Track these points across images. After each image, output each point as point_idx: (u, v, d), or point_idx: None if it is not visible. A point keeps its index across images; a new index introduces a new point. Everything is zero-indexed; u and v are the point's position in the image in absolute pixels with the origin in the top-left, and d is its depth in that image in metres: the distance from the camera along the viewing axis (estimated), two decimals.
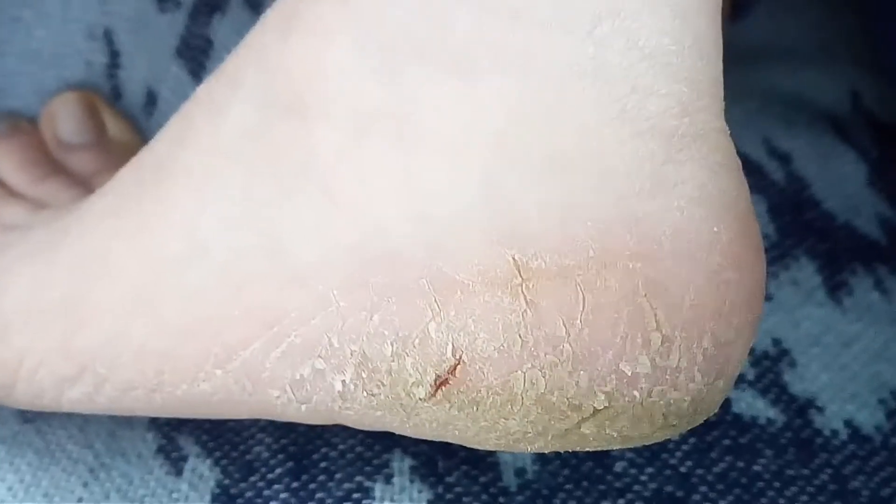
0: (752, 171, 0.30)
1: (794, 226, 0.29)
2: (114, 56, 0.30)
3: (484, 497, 0.22)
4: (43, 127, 0.29)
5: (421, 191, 0.16)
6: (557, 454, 0.23)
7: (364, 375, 0.16)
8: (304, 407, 0.17)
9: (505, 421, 0.16)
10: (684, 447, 0.23)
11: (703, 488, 0.23)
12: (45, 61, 0.29)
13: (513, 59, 0.15)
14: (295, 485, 0.22)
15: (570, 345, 0.15)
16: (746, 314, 0.16)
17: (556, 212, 0.15)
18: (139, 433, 0.23)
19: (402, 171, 0.16)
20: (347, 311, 0.16)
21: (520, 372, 0.15)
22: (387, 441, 0.23)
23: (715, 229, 0.15)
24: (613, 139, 0.15)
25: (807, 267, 0.28)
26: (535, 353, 0.15)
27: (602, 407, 0.15)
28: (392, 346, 0.16)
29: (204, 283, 0.17)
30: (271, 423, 0.23)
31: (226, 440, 0.23)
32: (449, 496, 0.22)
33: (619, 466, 0.23)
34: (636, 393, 0.15)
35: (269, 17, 0.18)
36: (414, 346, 0.16)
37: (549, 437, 0.16)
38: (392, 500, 0.22)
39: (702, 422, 0.16)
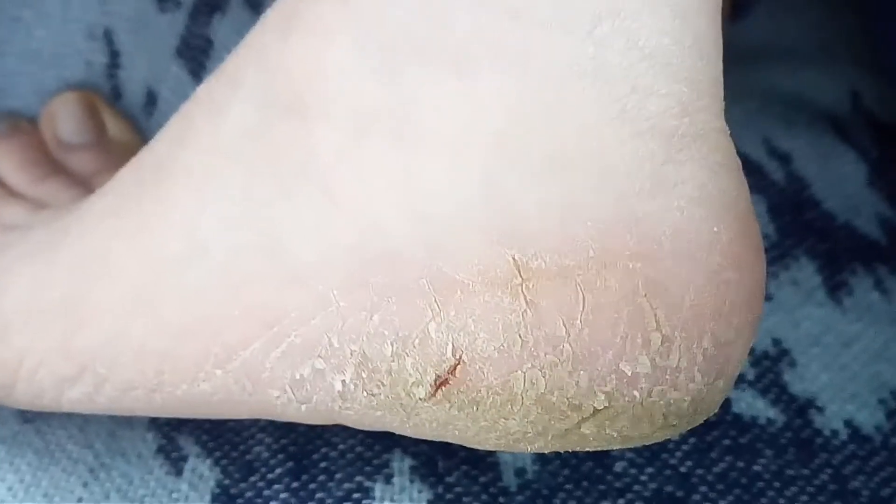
0: (751, 171, 0.30)
1: (794, 226, 0.29)
2: (114, 56, 0.30)
3: (484, 497, 0.22)
4: (43, 127, 0.29)
5: (421, 190, 0.16)
6: (557, 454, 0.23)
7: (364, 375, 0.16)
8: (304, 407, 0.17)
9: (505, 421, 0.16)
10: (684, 447, 0.23)
11: (703, 488, 0.23)
12: (45, 61, 0.29)
13: (513, 58, 0.15)
14: (295, 485, 0.22)
15: (570, 345, 0.15)
16: (746, 314, 0.16)
17: (556, 211, 0.15)
18: (139, 433, 0.23)
19: (402, 171, 0.16)
20: (347, 310, 0.16)
21: (520, 372, 0.15)
22: (387, 441, 0.23)
23: (715, 229, 0.15)
24: (613, 139, 0.15)
25: (807, 267, 0.28)
26: (535, 353, 0.15)
27: (602, 407, 0.15)
28: (392, 345, 0.16)
29: (204, 282, 0.17)
30: (271, 423, 0.23)
31: (226, 440, 0.23)
32: (449, 496, 0.22)
33: (619, 466, 0.23)
34: (636, 393, 0.15)
35: (269, 16, 0.18)
36: (414, 346, 0.16)
37: (549, 437, 0.16)
38: (392, 500, 0.22)
39: (702, 422, 0.16)
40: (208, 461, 0.22)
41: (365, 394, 0.17)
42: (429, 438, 0.17)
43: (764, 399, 0.25)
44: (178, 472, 0.22)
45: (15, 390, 0.20)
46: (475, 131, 0.15)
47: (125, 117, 0.30)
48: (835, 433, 0.24)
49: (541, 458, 0.23)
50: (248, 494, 0.22)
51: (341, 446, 0.23)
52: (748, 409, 0.24)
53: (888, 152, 0.32)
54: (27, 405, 0.20)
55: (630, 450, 0.23)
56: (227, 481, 0.22)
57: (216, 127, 0.18)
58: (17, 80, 0.29)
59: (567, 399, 0.15)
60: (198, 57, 0.30)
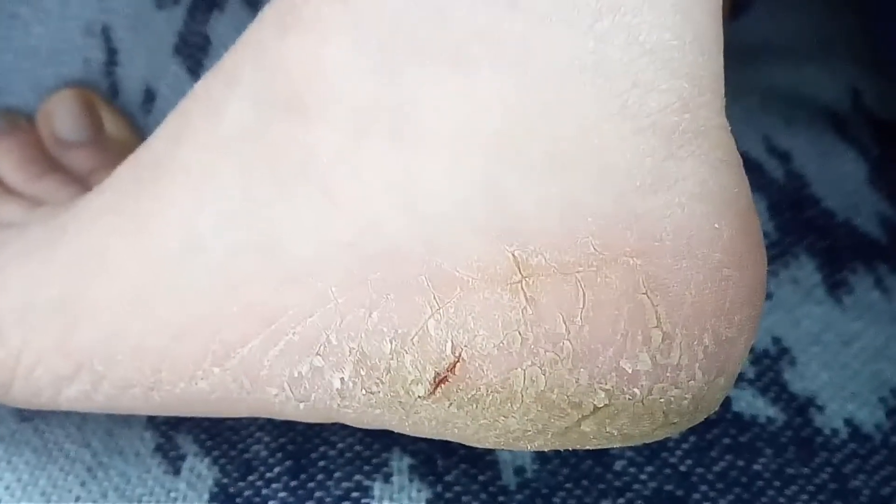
0: (751, 168, 0.30)
1: (793, 224, 0.29)
2: (112, 53, 0.30)
3: (483, 496, 0.22)
4: (40, 124, 0.29)
5: (420, 188, 0.16)
6: (557, 452, 0.23)
7: (363, 373, 0.16)
8: (302, 405, 0.17)
9: (504, 419, 0.16)
10: (684, 446, 0.23)
11: (703, 487, 0.23)
12: (42, 58, 0.29)
13: (512, 55, 0.15)
14: (293, 483, 0.22)
15: (570, 342, 0.15)
16: (748, 311, 0.15)
17: (556, 208, 0.15)
18: (137, 432, 0.23)
19: (402, 170, 0.16)
20: (346, 308, 0.16)
21: (520, 369, 0.15)
22: (386, 439, 0.23)
23: (716, 226, 0.15)
24: (614, 135, 0.15)
25: (807, 265, 0.28)
26: (534, 351, 0.15)
27: (602, 405, 0.15)
28: (391, 343, 0.16)
29: (202, 280, 0.17)
30: (270, 421, 0.23)
31: (224, 439, 0.23)
32: (448, 495, 0.22)
33: (618, 465, 0.23)
34: (636, 390, 0.15)
35: (267, 13, 0.18)
36: (413, 344, 0.16)
37: (549, 435, 0.16)
38: (391, 498, 0.21)
39: (702, 420, 0.16)
40: (206, 460, 0.22)
41: (363, 392, 0.17)
42: (428, 437, 0.17)
43: (764, 398, 0.25)
44: (176, 471, 0.22)
45: (12, 389, 0.20)
46: (475, 129, 0.15)
47: (123, 115, 0.30)
48: (835, 432, 0.24)
49: (540, 457, 0.23)
50: (247, 493, 0.21)
51: (340, 445, 0.23)
52: (748, 408, 0.24)
53: (888, 150, 0.32)
54: (24, 404, 0.20)
55: (630, 448, 0.23)
56: (225, 480, 0.22)
57: (214, 125, 0.18)
58: (14, 77, 0.29)
59: (567, 397, 0.15)
60: (196, 54, 0.30)
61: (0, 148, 0.28)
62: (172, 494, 0.21)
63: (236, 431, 0.23)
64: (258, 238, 0.17)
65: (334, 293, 0.16)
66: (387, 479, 0.22)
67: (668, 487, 0.22)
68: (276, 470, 0.22)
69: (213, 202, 0.17)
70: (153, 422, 0.23)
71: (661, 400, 0.15)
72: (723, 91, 0.15)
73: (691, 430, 0.24)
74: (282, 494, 0.21)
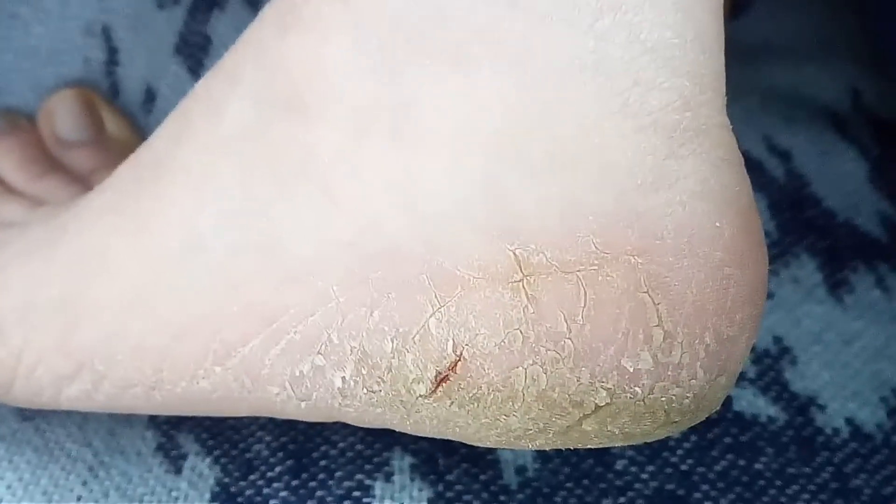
0: (752, 168, 0.30)
1: (794, 223, 0.29)
2: (112, 53, 0.30)
3: (484, 495, 0.22)
4: (41, 124, 0.29)
5: (421, 187, 0.16)
6: (558, 452, 0.23)
7: (364, 372, 0.16)
8: (303, 404, 0.17)
9: (506, 418, 0.16)
10: (685, 445, 0.23)
11: (705, 486, 0.23)
12: (43, 58, 0.29)
13: (513, 54, 0.15)
14: (295, 483, 0.22)
15: (571, 341, 0.15)
16: (749, 310, 0.15)
17: (556, 207, 0.15)
18: (138, 431, 0.23)
19: (402, 169, 0.16)
20: (347, 307, 0.16)
21: (521, 368, 0.15)
22: (387, 439, 0.23)
23: (717, 224, 0.15)
24: (615, 133, 0.15)
25: (807, 264, 0.28)
26: (536, 350, 0.15)
27: (604, 403, 0.15)
28: (392, 342, 0.16)
29: (202, 280, 0.17)
30: (271, 420, 0.23)
31: (225, 438, 0.23)
32: (449, 494, 0.22)
33: (619, 464, 0.23)
34: (638, 389, 0.15)
35: (267, 13, 0.18)
36: (414, 343, 0.16)
37: (551, 434, 0.16)
38: (392, 498, 0.21)
39: (703, 419, 0.16)
40: (208, 459, 0.22)
41: (365, 391, 0.17)
42: (429, 436, 0.17)
43: (765, 397, 0.25)
44: (178, 471, 0.22)
45: (13, 388, 0.20)
46: (475, 128, 0.15)
47: (123, 114, 0.30)
48: (836, 431, 0.24)
49: (541, 456, 0.23)
50: (248, 493, 0.21)
51: (341, 444, 0.23)
52: (749, 407, 0.24)
53: (889, 150, 0.32)
54: (26, 403, 0.20)
55: (631, 447, 0.23)
56: (226, 479, 0.22)
57: (214, 124, 0.18)
58: (14, 77, 0.29)
59: (568, 395, 0.15)
60: (196, 54, 0.30)
61: (1, 148, 0.28)
62: (174, 494, 0.21)
63: (238, 431, 0.23)
64: (259, 237, 0.17)
65: (335, 292, 0.16)
66: (388, 478, 0.22)
67: (670, 487, 0.22)
68: (278, 469, 0.22)
69: (213, 202, 0.17)
70: (154, 421, 0.23)
71: (663, 399, 0.15)
72: (724, 89, 0.15)
73: (692, 430, 0.23)
74: (283, 493, 0.21)
